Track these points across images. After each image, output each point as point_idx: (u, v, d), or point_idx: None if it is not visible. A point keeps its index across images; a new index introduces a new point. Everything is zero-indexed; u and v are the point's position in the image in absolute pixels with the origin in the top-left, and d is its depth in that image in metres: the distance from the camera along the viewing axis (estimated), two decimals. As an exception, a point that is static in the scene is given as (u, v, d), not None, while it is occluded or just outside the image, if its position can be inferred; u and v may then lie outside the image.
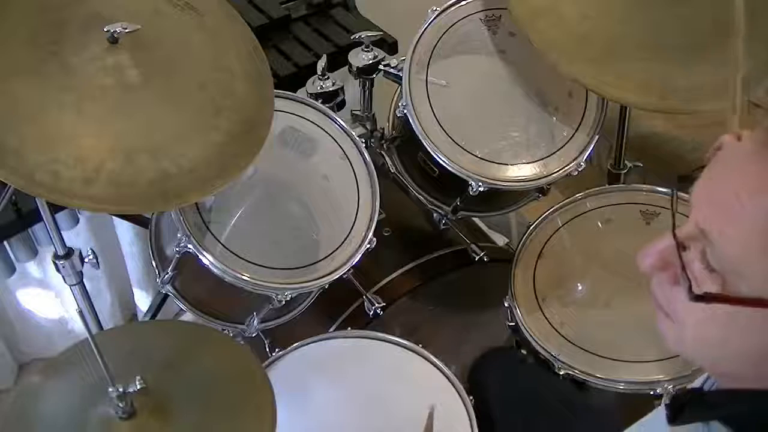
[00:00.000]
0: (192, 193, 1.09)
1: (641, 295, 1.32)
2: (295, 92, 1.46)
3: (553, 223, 1.47)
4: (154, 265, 1.42)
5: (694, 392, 0.79)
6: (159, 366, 1.06)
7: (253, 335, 1.45)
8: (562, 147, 1.41)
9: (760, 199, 0.60)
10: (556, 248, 1.44)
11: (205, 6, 1.21)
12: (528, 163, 1.39)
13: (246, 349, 1.17)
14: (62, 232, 1.33)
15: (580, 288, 1.40)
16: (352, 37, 1.55)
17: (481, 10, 1.45)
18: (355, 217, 1.37)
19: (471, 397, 1.26)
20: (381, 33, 1.57)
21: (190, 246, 1.24)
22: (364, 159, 1.41)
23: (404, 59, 1.41)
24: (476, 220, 1.82)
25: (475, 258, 1.57)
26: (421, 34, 1.42)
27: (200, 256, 1.24)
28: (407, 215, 1.69)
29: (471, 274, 1.58)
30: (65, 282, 1.38)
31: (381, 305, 1.47)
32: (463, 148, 1.38)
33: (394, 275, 1.54)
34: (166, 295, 1.41)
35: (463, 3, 1.44)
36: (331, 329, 1.48)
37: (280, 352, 1.35)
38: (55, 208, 1.29)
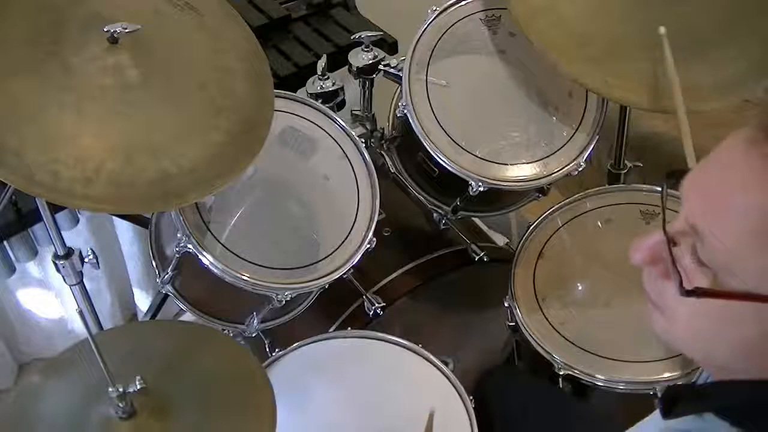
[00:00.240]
0: (192, 193, 1.09)
1: (641, 295, 1.32)
2: (295, 92, 1.46)
3: (553, 223, 1.47)
4: (154, 265, 1.42)
5: (686, 385, 0.79)
6: (159, 366, 1.06)
7: (253, 335, 1.45)
8: (562, 147, 1.41)
9: (750, 195, 0.61)
10: (556, 248, 1.44)
11: (205, 6, 1.21)
12: (528, 163, 1.39)
13: (246, 349, 1.17)
14: (62, 232, 1.33)
15: (580, 288, 1.40)
16: (352, 37, 1.55)
17: (481, 10, 1.45)
18: (355, 217, 1.37)
19: (471, 398, 1.26)
20: (381, 33, 1.57)
21: (190, 246, 1.24)
22: (364, 159, 1.41)
23: (404, 59, 1.41)
24: (476, 220, 1.82)
25: (475, 258, 1.57)
26: (421, 34, 1.42)
27: (200, 256, 1.24)
28: (407, 215, 1.69)
29: (471, 274, 1.58)
30: (65, 282, 1.38)
31: (381, 305, 1.47)
32: (463, 148, 1.38)
33: (394, 275, 1.54)
34: (166, 295, 1.41)
35: (463, 3, 1.44)
36: (331, 329, 1.48)
37: (280, 352, 1.35)
38: (55, 208, 1.29)
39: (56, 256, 1.33)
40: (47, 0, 1.10)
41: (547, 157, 1.40)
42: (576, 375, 1.30)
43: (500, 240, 1.97)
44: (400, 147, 1.54)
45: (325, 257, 1.34)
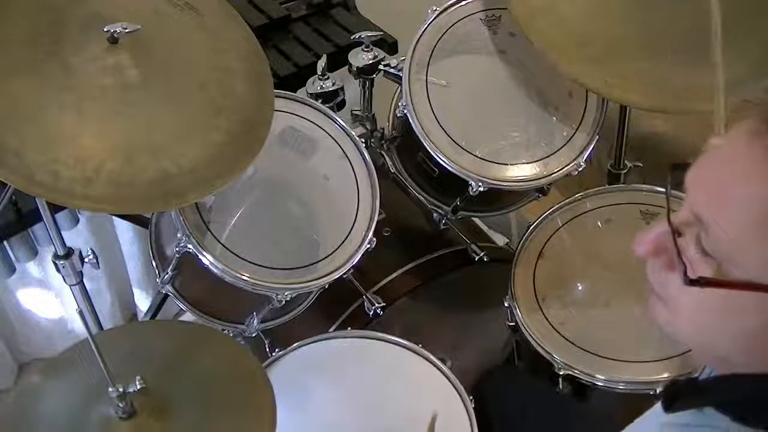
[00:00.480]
0: (192, 193, 1.09)
1: (641, 295, 1.32)
2: (295, 92, 1.46)
3: (553, 223, 1.47)
4: (154, 265, 1.42)
5: (688, 380, 0.79)
6: (159, 366, 1.06)
7: (253, 335, 1.45)
8: (562, 147, 1.41)
9: (753, 186, 0.62)
10: (556, 248, 1.44)
11: (205, 6, 1.21)
12: (528, 163, 1.39)
13: (246, 349, 1.17)
14: (62, 232, 1.33)
15: (580, 288, 1.40)
16: (352, 37, 1.55)
17: (481, 10, 1.45)
18: (355, 217, 1.37)
19: (471, 398, 1.26)
20: (381, 33, 1.57)
21: (190, 246, 1.24)
22: (364, 159, 1.41)
23: (404, 59, 1.41)
24: (476, 220, 1.82)
25: (475, 258, 1.57)
26: (421, 34, 1.42)
27: (200, 256, 1.24)
28: (407, 215, 1.69)
29: (471, 274, 1.58)
30: (65, 282, 1.38)
31: (381, 305, 1.47)
32: (463, 148, 1.38)
33: (394, 275, 1.54)
34: (166, 295, 1.41)
35: (463, 3, 1.44)
36: (331, 329, 1.48)
37: (280, 352, 1.35)
38: (55, 208, 1.29)
39: (56, 256, 1.33)
40: (47, 0, 1.10)
41: (547, 157, 1.40)
42: (576, 375, 1.30)
43: (500, 240, 1.97)
44: (400, 147, 1.54)
45: (325, 257, 1.34)
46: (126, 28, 1.06)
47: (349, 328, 1.41)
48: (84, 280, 1.39)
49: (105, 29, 1.06)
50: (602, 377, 1.29)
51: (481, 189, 1.36)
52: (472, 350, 1.66)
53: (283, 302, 1.31)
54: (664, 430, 0.75)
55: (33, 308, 1.98)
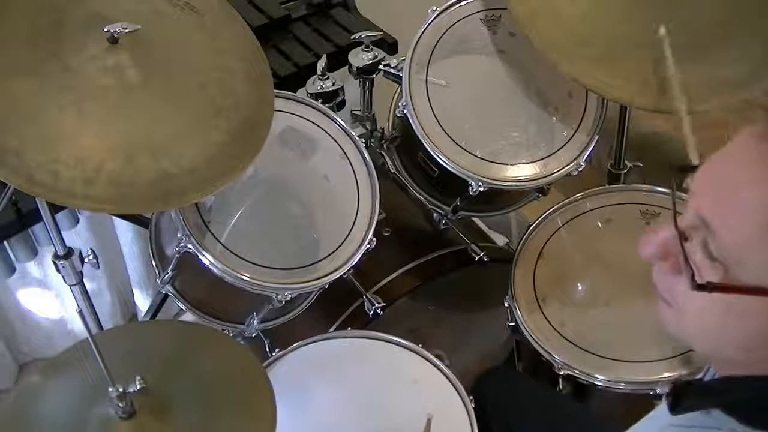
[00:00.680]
0: (192, 193, 1.09)
1: (641, 295, 1.33)
2: (295, 92, 1.46)
3: (553, 223, 1.47)
4: (154, 265, 1.42)
5: (693, 381, 0.79)
6: (159, 366, 1.06)
7: (253, 335, 1.45)
8: (562, 147, 1.41)
9: (760, 189, 0.61)
10: (556, 248, 1.44)
11: (205, 6, 1.21)
12: (528, 163, 1.39)
13: (246, 349, 1.17)
14: (62, 232, 1.33)
15: (580, 288, 1.40)
16: (352, 37, 1.55)
17: (481, 10, 1.45)
18: (355, 217, 1.37)
19: (471, 398, 1.26)
20: (381, 33, 1.57)
21: (190, 246, 1.24)
22: (364, 159, 1.41)
23: (404, 59, 1.41)
24: (476, 220, 1.82)
25: (475, 258, 1.57)
26: (421, 34, 1.42)
27: (200, 256, 1.24)
28: (407, 215, 1.69)
29: (471, 274, 1.58)
30: (65, 282, 1.38)
31: (381, 305, 1.47)
32: (463, 148, 1.38)
33: (394, 275, 1.54)
34: (166, 295, 1.41)
35: (463, 3, 1.44)
36: (331, 329, 1.48)
37: (280, 352, 1.35)
38: (55, 208, 1.29)
39: (56, 256, 1.33)
40: (47, 0, 1.10)
41: (547, 157, 1.40)
42: (576, 375, 1.30)
43: (500, 240, 1.97)
44: (400, 147, 1.54)
45: (325, 257, 1.34)
46: (126, 28, 1.06)
47: (349, 328, 1.41)
48: (84, 280, 1.39)
49: (105, 29, 1.06)
50: (602, 377, 1.29)
51: (481, 189, 1.36)
52: (472, 350, 1.66)
53: (283, 302, 1.30)
54: (670, 431, 0.75)
55: (33, 308, 1.98)
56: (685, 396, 0.75)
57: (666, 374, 1.27)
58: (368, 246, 1.35)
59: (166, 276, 1.36)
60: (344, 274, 1.34)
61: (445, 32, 1.43)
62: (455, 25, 1.43)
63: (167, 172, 1.06)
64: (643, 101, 1.29)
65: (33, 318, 2.00)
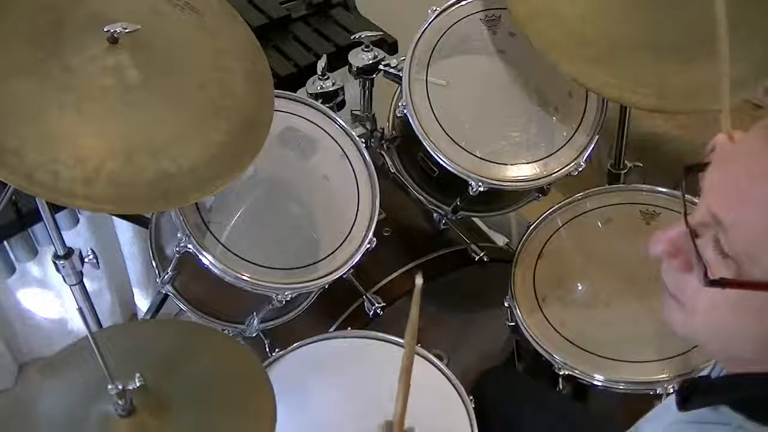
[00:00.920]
0: (192, 193, 1.09)
1: (641, 295, 1.33)
2: (295, 92, 1.46)
3: (553, 223, 1.47)
4: (154, 265, 1.42)
5: (702, 378, 0.80)
6: (159, 364, 1.06)
7: (253, 335, 1.45)
8: (562, 147, 1.41)
9: None
10: (556, 248, 1.44)
11: (205, 6, 1.21)
12: (528, 163, 1.39)
13: (246, 349, 1.17)
14: (62, 232, 1.33)
15: (580, 288, 1.40)
16: (352, 37, 1.55)
17: (481, 10, 1.45)
18: (355, 217, 1.37)
19: (471, 398, 1.26)
20: (381, 33, 1.58)
21: (190, 246, 1.24)
22: (364, 159, 1.41)
23: (404, 59, 1.41)
24: (476, 220, 1.82)
25: (475, 258, 1.57)
26: (421, 34, 1.42)
27: (200, 256, 1.24)
28: (407, 215, 1.69)
29: (471, 274, 1.58)
30: (65, 282, 1.38)
31: (381, 305, 1.47)
32: (463, 148, 1.38)
33: (394, 275, 1.54)
34: (166, 295, 1.41)
35: (463, 3, 1.44)
36: (331, 329, 1.48)
37: (280, 352, 1.35)
38: (55, 208, 1.29)
39: (56, 256, 1.33)
40: (47, 0, 1.10)
41: (547, 157, 1.40)
42: (576, 375, 1.30)
43: (500, 240, 1.97)
44: (400, 147, 1.54)
45: (325, 257, 1.34)
46: (126, 28, 1.06)
47: (349, 328, 1.41)
48: (84, 280, 1.39)
49: (105, 29, 1.06)
50: (602, 377, 1.29)
51: (481, 189, 1.36)
52: (472, 350, 1.66)
53: (283, 302, 1.31)
54: (678, 427, 0.75)
55: (33, 308, 1.98)
56: (693, 393, 0.75)
57: (666, 374, 1.27)
58: (368, 246, 1.35)
59: (166, 276, 1.36)
60: (344, 274, 1.34)
61: (445, 32, 1.43)
62: (455, 25, 1.43)
63: (167, 172, 1.06)
64: (642, 101, 1.29)
65: (33, 318, 2.00)
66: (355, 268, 1.36)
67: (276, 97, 1.26)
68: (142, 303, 2.10)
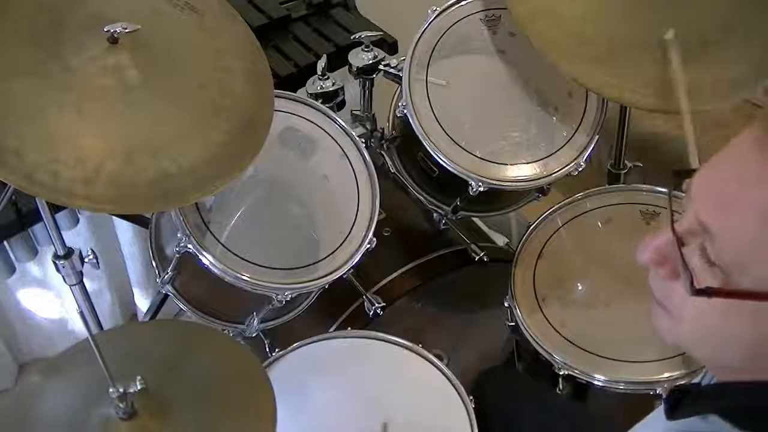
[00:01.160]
0: (192, 193, 1.09)
1: (641, 295, 1.32)
2: (295, 92, 1.46)
3: (553, 223, 1.47)
4: (154, 265, 1.42)
5: (691, 386, 0.79)
6: (159, 366, 1.06)
7: (253, 335, 1.45)
8: (562, 147, 1.41)
9: (760, 192, 0.61)
10: (556, 248, 1.44)
11: (205, 6, 1.21)
12: (528, 163, 1.39)
13: (246, 349, 1.17)
14: (62, 232, 1.33)
15: (580, 288, 1.40)
16: (352, 37, 1.55)
17: (481, 10, 1.45)
18: (355, 217, 1.37)
19: (471, 398, 1.26)
20: (381, 33, 1.57)
21: (190, 246, 1.24)
22: (364, 159, 1.41)
23: (404, 59, 1.41)
24: (476, 220, 1.82)
25: (475, 258, 1.57)
26: (421, 34, 1.42)
27: (200, 256, 1.24)
28: (407, 215, 1.69)
29: (471, 274, 1.58)
30: (65, 282, 1.38)
31: (381, 305, 1.47)
32: (463, 148, 1.38)
33: (394, 275, 1.54)
34: (166, 295, 1.41)
35: (463, 3, 1.44)
36: (331, 329, 1.48)
37: (280, 352, 1.35)
38: (55, 208, 1.29)
39: (56, 256, 1.33)
40: (47, 0, 1.10)
41: (547, 157, 1.40)
42: (576, 375, 1.30)
43: (500, 240, 1.97)
44: (400, 147, 1.54)
45: (325, 257, 1.34)
46: (126, 28, 1.06)
47: (349, 328, 1.41)
48: (84, 280, 1.39)
49: (105, 29, 1.06)
50: (602, 377, 1.29)
51: (481, 189, 1.36)
52: (472, 350, 1.66)
53: (283, 302, 1.31)
54: None
55: (33, 308, 1.98)
56: (682, 401, 0.74)
57: (666, 374, 1.27)
58: (368, 246, 1.35)
59: (166, 276, 1.36)
60: (344, 274, 1.34)
61: (445, 32, 1.43)
62: (455, 25, 1.43)
63: (167, 172, 1.06)
64: (642, 101, 1.29)
65: (33, 318, 2.00)
66: (355, 268, 1.36)
67: (276, 97, 1.26)
68: (142, 303, 2.10)
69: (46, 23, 1.08)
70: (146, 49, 1.11)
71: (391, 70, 1.48)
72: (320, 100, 1.46)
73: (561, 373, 1.31)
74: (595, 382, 1.29)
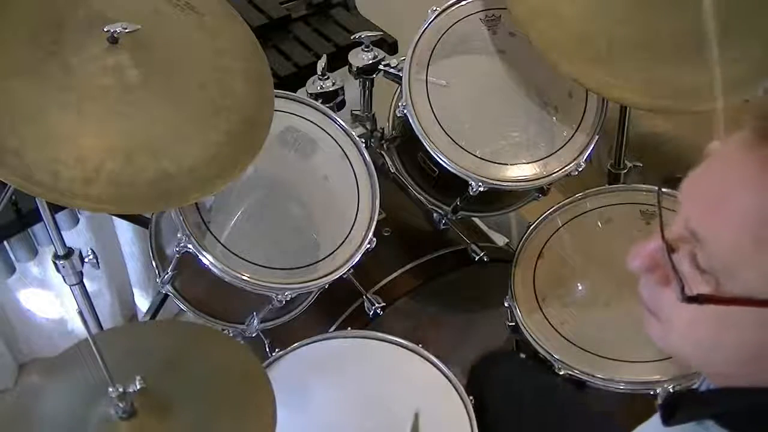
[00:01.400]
0: (192, 193, 1.09)
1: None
2: (295, 92, 1.46)
3: (553, 223, 1.47)
4: (154, 265, 1.42)
5: (687, 392, 0.79)
6: (159, 366, 1.06)
7: (253, 335, 1.45)
8: (562, 147, 1.41)
9: (748, 198, 0.60)
10: (556, 248, 1.44)
11: (205, 6, 1.21)
12: (528, 163, 1.39)
13: (246, 349, 1.17)
14: (62, 232, 1.33)
15: (580, 288, 1.40)
16: (352, 37, 1.55)
17: (481, 10, 1.45)
18: (355, 217, 1.37)
19: (471, 398, 1.26)
20: (381, 33, 1.57)
21: (190, 246, 1.24)
22: (364, 159, 1.41)
23: (404, 59, 1.41)
24: (476, 220, 1.82)
25: (475, 258, 1.57)
26: (421, 34, 1.42)
27: (200, 256, 1.24)
28: (407, 215, 1.69)
29: (471, 274, 1.58)
30: (65, 282, 1.38)
31: (381, 305, 1.47)
32: (463, 148, 1.38)
33: (394, 275, 1.54)
34: (166, 295, 1.41)
35: (463, 3, 1.44)
36: (331, 329, 1.48)
37: (280, 352, 1.35)
38: (55, 208, 1.29)
39: (56, 256, 1.33)
40: (47, 0, 1.10)
41: (547, 157, 1.40)
42: (575, 375, 1.30)
43: (500, 240, 1.97)
44: (400, 147, 1.54)
45: (325, 257, 1.34)
46: (126, 28, 1.06)
47: (349, 328, 1.41)
48: (84, 280, 1.39)
49: (105, 29, 1.06)
50: (602, 377, 1.29)
51: (481, 189, 1.36)
52: (472, 350, 1.66)
53: (283, 302, 1.31)
54: None
55: (33, 308, 1.98)
56: (678, 407, 0.74)
57: (666, 374, 1.27)
58: (368, 246, 1.35)
59: (166, 276, 1.36)
60: (344, 274, 1.34)
61: (445, 32, 1.43)
62: (455, 25, 1.43)
63: (167, 172, 1.06)
64: (643, 101, 1.29)
65: (33, 318, 2.00)
66: (355, 268, 1.36)
67: (276, 97, 1.26)
68: (142, 303, 2.10)
69: (46, 23, 1.08)
70: (146, 49, 1.11)
71: (391, 70, 1.48)
72: (320, 100, 1.46)
73: (561, 373, 1.31)
74: (595, 382, 1.29)
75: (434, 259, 1.58)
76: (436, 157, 1.37)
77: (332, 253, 1.34)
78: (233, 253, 1.28)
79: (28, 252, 1.50)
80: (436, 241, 1.62)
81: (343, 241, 1.35)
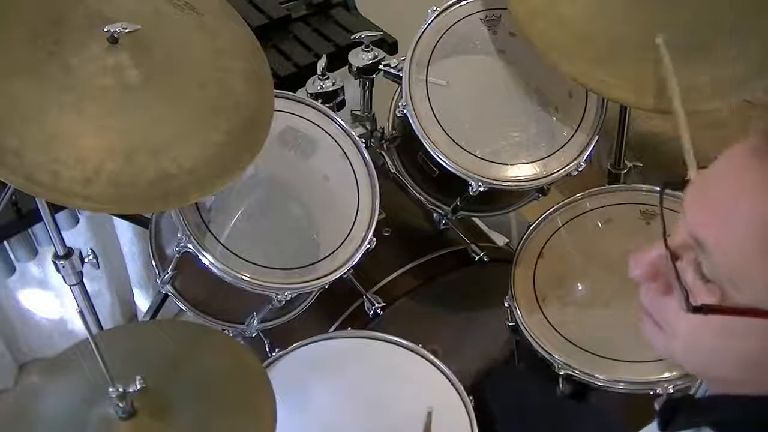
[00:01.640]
0: (192, 193, 1.09)
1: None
2: (295, 92, 1.46)
3: (553, 223, 1.47)
4: (154, 265, 1.42)
5: (684, 398, 0.78)
6: (159, 366, 1.06)
7: (253, 335, 1.45)
8: (562, 147, 1.41)
9: (754, 206, 0.59)
10: (556, 248, 1.44)
11: (205, 6, 1.21)
12: (528, 163, 1.39)
13: (246, 349, 1.17)
14: (62, 232, 1.33)
15: (580, 288, 1.40)
16: (352, 37, 1.55)
17: (481, 10, 1.45)
18: (355, 217, 1.37)
19: (471, 398, 1.26)
20: (381, 33, 1.57)
21: (190, 246, 1.24)
22: (364, 159, 1.41)
23: (404, 59, 1.41)
24: (476, 220, 1.82)
25: (475, 258, 1.57)
26: (421, 34, 1.42)
27: (200, 256, 1.24)
28: (407, 215, 1.69)
29: (471, 274, 1.58)
30: (65, 282, 1.38)
31: (381, 305, 1.47)
32: (463, 148, 1.38)
33: (394, 275, 1.54)
34: (166, 295, 1.41)
35: (463, 3, 1.44)
36: (331, 329, 1.48)
37: (280, 352, 1.35)
38: (55, 208, 1.29)
39: (56, 256, 1.33)
40: (47, 0, 1.10)
41: (547, 157, 1.40)
42: (576, 375, 1.30)
43: (500, 240, 1.97)
44: (400, 147, 1.54)
45: (325, 257, 1.34)
46: (126, 28, 1.06)
47: (349, 328, 1.41)
48: (84, 280, 1.39)
49: (105, 29, 1.06)
50: (602, 377, 1.29)
51: (481, 189, 1.36)
52: (472, 350, 1.66)
53: (283, 302, 1.31)
54: None
55: (33, 308, 1.98)
56: (676, 413, 0.73)
57: (666, 374, 1.26)
58: (368, 246, 1.35)
59: (166, 276, 1.36)
60: (344, 274, 1.34)
61: (445, 32, 1.43)
62: (455, 25, 1.43)
63: (167, 172, 1.06)
64: (643, 101, 1.29)
65: (33, 318, 2.00)
66: (355, 268, 1.36)
67: (276, 97, 1.26)
68: (142, 303, 2.10)
69: (46, 23, 1.08)
70: (146, 49, 1.11)
71: (391, 70, 1.48)
72: (320, 100, 1.46)
73: (561, 373, 1.31)
74: (595, 382, 1.29)
75: (434, 259, 1.58)
76: (436, 157, 1.37)
77: (332, 253, 1.34)
78: (233, 253, 1.28)
79: (28, 252, 1.50)
80: (436, 241, 1.62)
81: (343, 241, 1.35)
